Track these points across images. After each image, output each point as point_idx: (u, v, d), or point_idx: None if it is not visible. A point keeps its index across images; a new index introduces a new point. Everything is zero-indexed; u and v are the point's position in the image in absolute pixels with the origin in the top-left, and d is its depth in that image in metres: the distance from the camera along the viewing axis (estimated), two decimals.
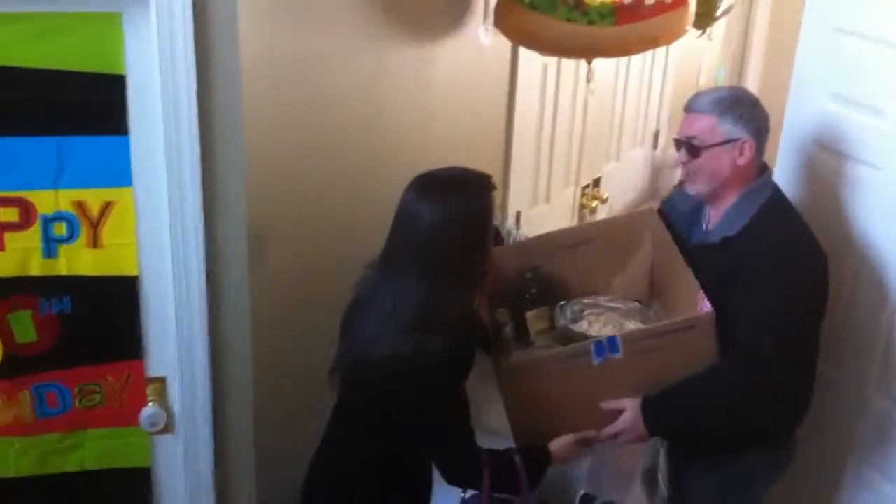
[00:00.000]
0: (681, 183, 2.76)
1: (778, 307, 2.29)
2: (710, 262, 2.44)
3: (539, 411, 2.41)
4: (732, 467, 2.53)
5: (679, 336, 2.33)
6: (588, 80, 3.58)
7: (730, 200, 2.46)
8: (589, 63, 3.49)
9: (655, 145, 5.20)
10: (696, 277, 2.40)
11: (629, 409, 2.37)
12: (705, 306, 2.31)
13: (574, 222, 4.43)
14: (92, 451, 2.59)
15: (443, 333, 2.15)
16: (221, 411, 2.63)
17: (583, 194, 4.44)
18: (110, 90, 2.26)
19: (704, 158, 2.42)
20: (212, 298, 2.49)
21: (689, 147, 2.44)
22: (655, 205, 2.87)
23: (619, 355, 2.32)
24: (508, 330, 2.56)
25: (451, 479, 2.38)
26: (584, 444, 2.43)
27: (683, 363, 2.33)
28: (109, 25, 2.20)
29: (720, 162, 2.42)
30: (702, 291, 2.35)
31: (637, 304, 2.67)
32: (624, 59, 4.32)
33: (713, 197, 2.49)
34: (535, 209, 4.05)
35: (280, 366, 2.72)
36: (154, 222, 2.39)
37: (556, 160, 4.09)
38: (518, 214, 3.86)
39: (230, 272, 2.48)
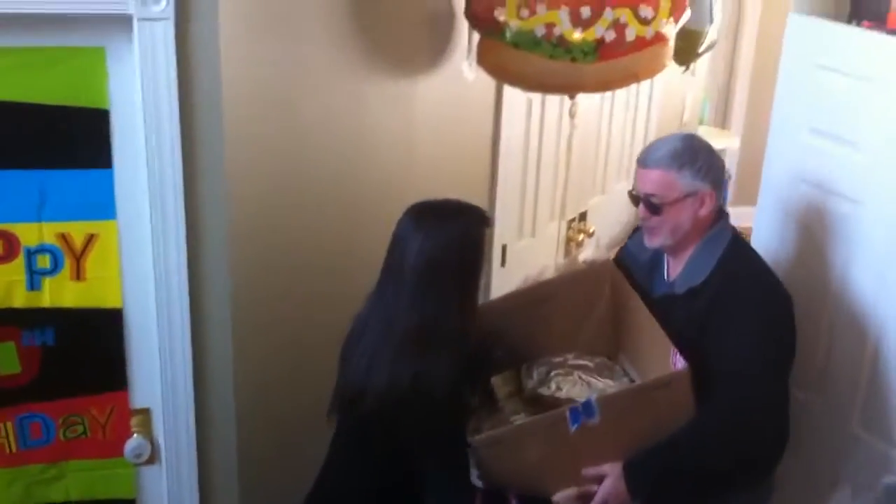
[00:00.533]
0: (636, 230, 2.70)
1: (758, 350, 2.29)
2: (677, 313, 2.41)
3: (517, 479, 2.35)
4: None
5: (656, 394, 2.29)
6: (571, 116, 3.60)
7: (691, 249, 2.45)
8: (571, 98, 3.53)
9: None
10: (663, 328, 2.35)
11: (610, 474, 2.28)
12: (679, 362, 2.25)
13: (560, 256, 4.44)
14: (76, 482, 2.60)
15: (440, 357, 2.14)
16: (205, 443, 2.64)
17: (569, 228, 4.44)
18: (94, 124, 2.30)
19: (666, 214, 2.40)
20: (195, 330, 2.51)
21: (649, 204, 2.41)
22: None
23: (595, 420, 2.26)
24: (475, 400, 2.43)
25: None
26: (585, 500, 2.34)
27: (663, 420, 2.29)
28: (93, 60, 2.24)
29: (682, 216, 2.40)
30: (674, 346, 2.29)
31: (605, 359, 2.62)
32: (608, 93, 4.36)
33: (674, 248, 2.48)
34: (521, 243, 4.06)
35: (264, 397, 2.72)
36: (138, 255, 2.42)
37: (542, 194, 4.11)
38: (504, 248, 3.87)
39: (214, 304, 2.50)
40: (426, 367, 2.13)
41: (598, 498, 2.27)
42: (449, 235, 2.21)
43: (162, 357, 2.51)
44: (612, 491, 2.27)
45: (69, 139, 2.30)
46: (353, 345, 2.31)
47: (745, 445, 2.29)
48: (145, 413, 2.58)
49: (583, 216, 4.58)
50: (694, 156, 2.39)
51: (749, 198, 2.92)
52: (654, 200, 2.39)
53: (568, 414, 2.27)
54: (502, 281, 3.87)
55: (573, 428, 2.26)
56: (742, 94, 6.62)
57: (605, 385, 2.49)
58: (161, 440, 2.60)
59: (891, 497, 2.25)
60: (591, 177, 4.66)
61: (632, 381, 2.53)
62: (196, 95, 2.30)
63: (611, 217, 4.96)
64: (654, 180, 2.39)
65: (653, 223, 2.42)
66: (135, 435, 2.58)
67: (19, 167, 2.29)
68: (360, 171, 2.89)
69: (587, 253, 4.65)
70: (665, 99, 5.18)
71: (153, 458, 2.62)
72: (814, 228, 2.72)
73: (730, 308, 2.33)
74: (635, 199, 2.47)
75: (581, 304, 2.66)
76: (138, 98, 2.27)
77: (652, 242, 2.47)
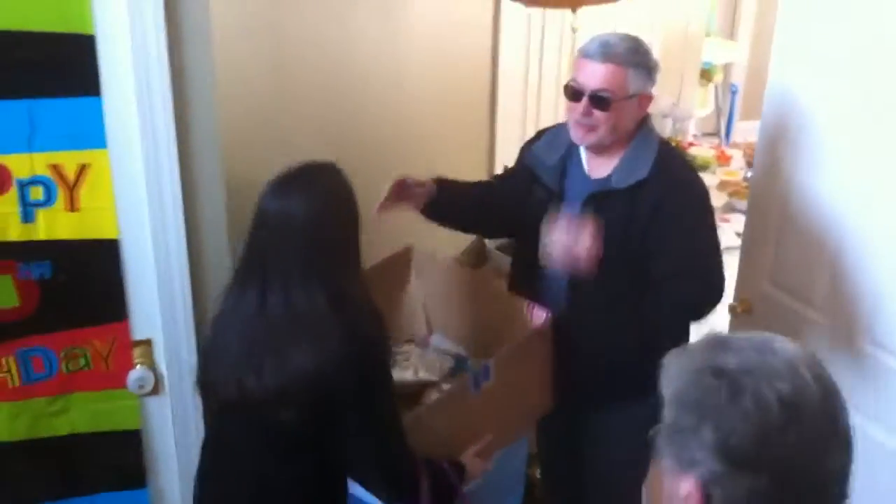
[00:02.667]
0: (539, 133, 2.76)
1: (712, 238, 2.52)
2: (616, 207, 2.45)
3: (433, 450, 2.30)
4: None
5: (532, 346, 2.53)
6: (573, 30, 3.53)
7: (620, 148, 2.48)
8: (573, 11, 3.46)
9: None
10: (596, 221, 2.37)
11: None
12: (538, 314, 2.51)
13: None
14: (81, 414, 2.59)
15: (363, 320, 2.05)
16: None
17: None
18: (80, 50, 2.23)
19: (612, 112, 2.39)
20: (193, 258, 2.49)
21: (597, 100, 2.38)
22: None
23: (491, 381, 2.42)
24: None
25: (391, 488, 2.22)
26: (485, 455, 2.43)
27: (537, 370, 2.57)
28: None
29: (626, 115, 2.42)
30: (530, 302, 2.54)
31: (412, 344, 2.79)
32: (611, 10, 4.27)
33: (603, 147, 2.49)
34: None
35: None
36: (131, 184, 2.38)
37: (544, 112, 4.05)
38: (506, 168, 3.83)
39: (210, 230, 2.49)
40: (350, 332, 2.00)
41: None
42: (326, 192, 2.09)
43: (161, 287, 2.49)
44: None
45: (56, 67, 2.24)
46: (247, 348, 2.07)
47: (703, 308, 2.52)
48: (147, 344, 2.57)
49: None
50: (646, 55, 2.42)
51: (758, 113, 2.86)
52: (604, 95, 2.37)
53: (469, 381, 2.42)
54: None
55: (475, 392, 2.41)
56: (750, 1, 6.39)
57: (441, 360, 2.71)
58: (164, 370, 2.60)
59: None
60: None
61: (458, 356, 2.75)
62: (183, 19, 2.24)
63: None
64: (608, 76, 2.36)
65: (594, 120, 2.40)
66: (137, 366, 2.56)
67: (6, 97, 2.23)
68: (350, 91, 2.84)
69: None
70: (669, 10, 5.07)
71: (157, 389, 2.61)
72: (818, 145, 2.65)
73: (679, 198, 2.45)
74: (576, 93, 2.41)
75: (389, 293, 2.76)
76: (125, 22, 2.21)
77: (586, 139, 2.46)
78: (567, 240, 2.33)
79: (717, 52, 5.63)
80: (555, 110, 4.08)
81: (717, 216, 4.32)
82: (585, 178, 2.55)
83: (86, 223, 2.38)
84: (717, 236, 2.57)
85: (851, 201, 2.56)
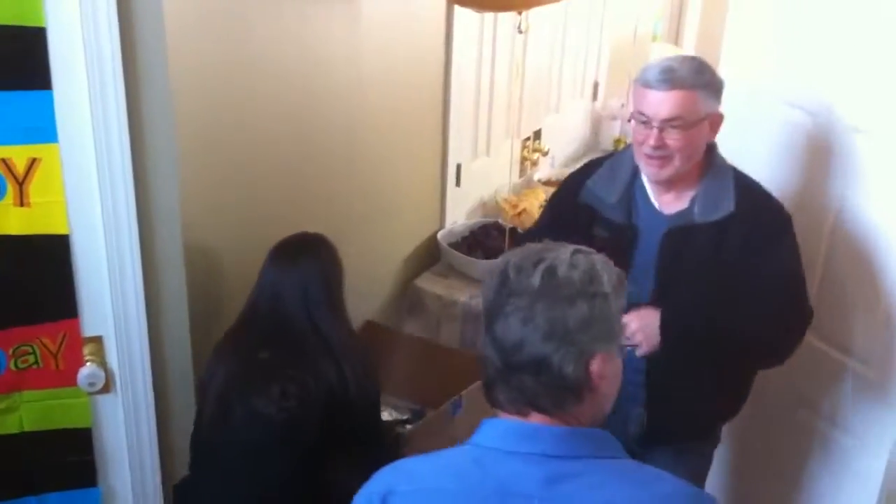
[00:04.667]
0: (586, 168, 2.56)
1: (798, 262, 2.40)
2: (699, 241, 2.33)
3: None
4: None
5: None
6: (521, 31, 3.55)
7: (693, 178, 2.35)
8: (519, 14, 3.47)
9: (595, 97, 5.21)
10: (672, 260, 2.35)
11: (648, 317, 2.31)
12: None
13: (515, 175, 4.42)
14: (30, 412, 2.55)
15: (356, 361, 2.53)
16: (160, 369, 2.62)
17: (524, 147, 4.43)
18: (30, 43, 2.20)
19: (686, 139, 2.25)
20: (145, 255, 2.46)
21: (671, 128, 2.23)
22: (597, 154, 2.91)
23: (462, 411, 2.85)
24: None
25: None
26: None
27: None
28: None
29: (700, 140, 2.28)
30: None
31: None
32: (561, 10, 4.31)
33: (674, 180, 2.35)
34: (476, 162, 4.05)
35: (217, 321, 2.70)
36: (82, 179, 2.34)
37: (496, 112, 4.08)
38: (458, 167, 3.85)
39: (163, 226, 2.46)
40: (355, 371, 2.50)
41: (632, 329, 2.29)
42: (328, 259, 2.57)
43: (112, 283, 2.46)
44: (648, 330, 2.31)
45: (5, 60, 2.20)
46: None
47: (785, 342, 2.40)
48: (98, 341, 2.53)
49: (538, 135, 4.56)
50: (712, 74, 2.27)
51: None
52: (677, 124, 2.22)
53: (448, 407, 2.85)
54: (457, 201, 3.86)
55: (453, 415, 2.85)
56: (695, 8, 6.52)
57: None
58: (115, 368, 2.56)
59: None
60: (546, 95, 4.63)
61: None
62: (136, 12, 2.22)
63: (566, 136, 4.95)
64: (677, 103, 2.21)
65: (668, 150, 2.25)
66: (88, 363, 2.52)
67: None
68: (307, 89, 2.84)
69: (542, 172, 4.64)
70: (617, 15, 5.13)
71: (108, 387, 2.57)
72: (773, 141, 2.70)
73: (772, 229, 2.36)
74: (644, 125, 2.26)
75: None
76: (76, 14, 2.18)
77: (662, 174, 2.31)
78: (644, 325, 2.27)
79: (665, 54, 5.69)
80: (506, 108, 4.10)
81: None
82: (657, 213, 2.40)
83: (35, 218, 2.34)
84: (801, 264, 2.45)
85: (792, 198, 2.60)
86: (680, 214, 2.37)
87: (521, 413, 1.40)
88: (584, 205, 2.45)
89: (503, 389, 1.41)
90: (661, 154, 2.26)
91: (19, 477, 2.62)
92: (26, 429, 2.56)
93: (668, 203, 2.39)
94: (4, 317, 2.43)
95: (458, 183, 3.87)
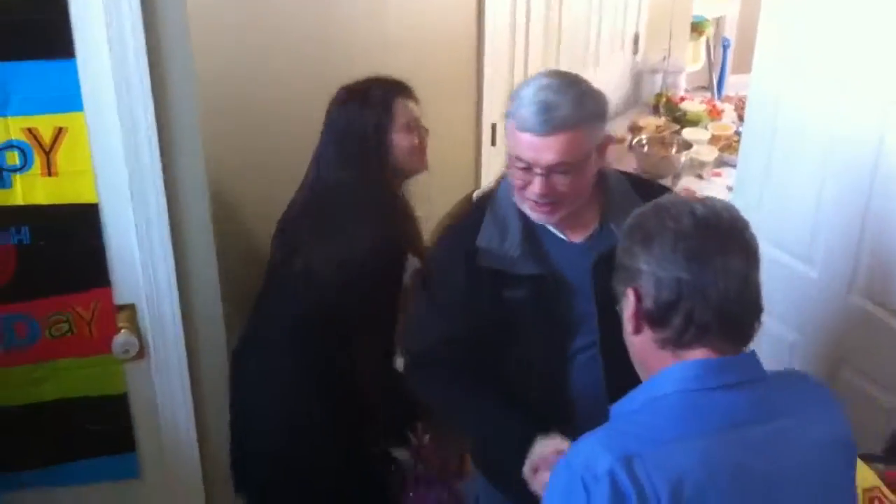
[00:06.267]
0: (457, 231, 2.19)
1: None
2: None
3: None
4: None
5: None
6: None
7: (590, 201, 2.07)
8: None
9: (636, 50, 5.10)
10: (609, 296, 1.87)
11: None
12: None
13: None
14: (66, 380, 2.58)
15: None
16: (192, 333, 2.63)
17: None
18: (53, 12, 2.18)
19: (575, 179, 1.95)
20: (174, 221, 2.46)
21: (560, 174, 1.93)
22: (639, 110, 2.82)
23: None
24: None
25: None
26: None
27: None
28: None
29: (590, 174, 1.99)
30: None
31: None
32: None
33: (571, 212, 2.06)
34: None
35: (247, 283, 2.69)
36: (109, 147, 2.34)
37: (532, 68, 3.99)
38: (493, 127, 3.80)
39: (190, 192, 2.45)
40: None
41: None
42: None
43: (142, 251, 2.47)
44: None
45: (28, 29, 2.20)
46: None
47: None
48: (130, 309, 2.55)
49: None
50: (593, 96, 1.95)
51: (749, 66, 2.83)
52: (564, 169, 1.92)
53: None
54: (492, 160, 3.82)
55: None
56: None
57: None
58: (148, 335, 2.58)
59: None
60: (584, 49, 4.54)
61: None
62: None
63: (605, 91, 4.84)
64: (563, 146, 1.89)
65: (557, 196, 1.96)
66: (121, 331, 2.54)
67: None
68: (335, 43, 2.79)
69: None
70: None
71: (141, 354, 2.59)
72: (808, 99, 2.62)
73: None
74: (525, 172, 1.94)
75: None
76: None
77: (553, 217, 2.01)
78: None
79: (708, 6, 5.56)
80: (543, 64, 4.04)
81: (710, 170, 4.32)
82: (570, 247, 2.08)
83: (64, 188, 2.35)
84: None
85: (842, 152, 2.53)
86: (596, 240, 2.07)
87: (720, 349, 1.45)
88: (483, 273, 2.06)
89: (722, 328, 1.44)
90: (549, 201, 1.96)
91: (56, 444, 2.66)
92: (62, 396, 2.60)
93: (578, 230, 2.09)
94: (37, 286, 2.45)
95: (493, 142, 3.83)
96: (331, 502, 2.70)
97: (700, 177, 4.28)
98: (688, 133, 4.64)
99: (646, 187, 2.15)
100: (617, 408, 1.53)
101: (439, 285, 2.16)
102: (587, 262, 2.02)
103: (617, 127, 4.76)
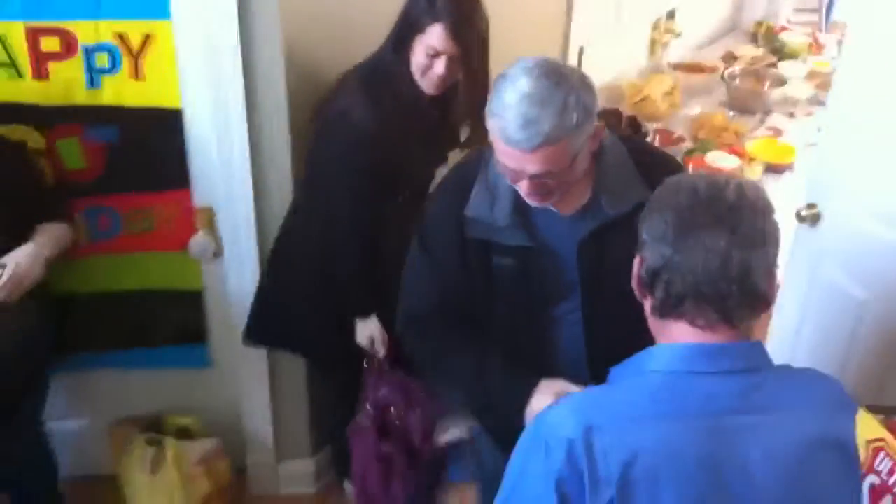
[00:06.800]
0: (450, 193, 2.11)
1: None
2: (618, 239, 1.89)
3: None
4: None
5: None
6: None
7: (587, 177, 1.97)
8: None
9: None
10: (594, 271, 1.99)
11: None
12: None
13: (645, 59, 4.31)
14: (146, 273, 2.75)
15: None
16: (266, 235, 2.73)
17: (654, 28, 4.29)
18: None
19: (563, 178, 1.87)
20: (252, 129, 2.55)
21: (548, 177, 1.86)
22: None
23: None
24: None
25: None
26: None
27: None
28: None
29: (580, 167, 1.89)
30: None
31: None
32: None
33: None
34: (601, 45, 3.93)
35: None
36: (193, 55, 2.44)
37: None
38: (581, 51, 3.76)
39: (270, 103, 2.53)
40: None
41: None
42: None
43: (221, 157, 2.58)
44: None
45: None
46: None
47: None
48: (208, 211, 2.67)
49: (670, 15, 4.39)
50: (579, 99, 1.80)
51: None
52: (551, 175, 1.85)
53: None
54: None
55: None
56: None
57: None
58: (223, 236, 2.71)
59: None
60: None
61: None
62: None
63: (702, 16, 4.74)
64: (548, 158, 1.81)
65: (548, 188, 1.90)
66: (199, 232, 2.68)
67: None
68: None
69: (675, 55, 4.49)
70: None
71: (217, 254, 2.73)
72: None
73: None
74: (513, 177, 1.89)
75: None
76: None
77: (546, 201, 1.94)
78: None
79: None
80: None
81: (803, 109, 4.20)
82: (560, 219, 2.02)
83: (149, 91, 2.47)
84: None
85: None
86: (587, 213, 2.01)
87: (711, 328, 1.45)
88: (471, 240, 2.04)
89: (698, 304, 1.44)
90: (540, 192, 1.90)
91: (137, 331, 2.85)
92: (142, 287, 2.77)
93: (569, 202, 2.01)
94: (122, 183, 2.60)
95: (579, 66, 3.79)
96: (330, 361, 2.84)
97: (791, 115, 4.16)
98: (784, 67, 4.52)
99: (647, 157, 2.06)
100: (615, 371, 1.55)
101: (434, 243, 2.14)
102: (576, 234, 1.99)
103: (710, 54, 4.67)
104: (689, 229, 1.43)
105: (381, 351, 2.64)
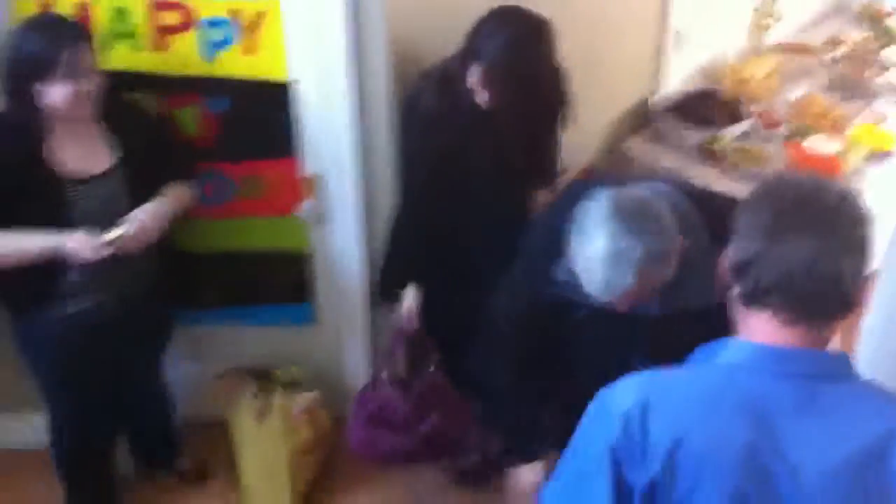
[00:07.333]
0: (556, 221, 2.01)
1: None
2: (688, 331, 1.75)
3: None
4: None
5: None
6: None
7: None
8: None
9: None
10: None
11: None
12: None
13: (745, 41, 4.32)
14: (256, 235, 2.96)
15: None
16: (370, 202, 2.92)
17: (755, 10, 4.29)
18: None
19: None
20: (362, 103, 2.73)
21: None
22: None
23: None
24: None
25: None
26: None
27: None
28: None
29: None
30: None
31: None
32: None
33: None
34: (699, 25, 3.96)
35: None
36: (303, 31, 2.61)
37: None
38: (678, 31, 3.81)
39: (373, 77, 2.71)
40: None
41: None
42: None
43: (329, 128, 2.75)
44: None
45: None
46: None
47: None
48: (315, 178, 2.84)
49: None
50: (655, 237, 1.81)
51: None
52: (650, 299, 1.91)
53: None
54: (675, 65, 3.84)
55: None
56: None
57: None
58: (330, 203, 2.89)
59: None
60: None
61: None
62: None
63: None
64: (633, 297, 1.86)
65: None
66: (307, 198, 2.86)
67: None
68: None
69: (776, 36, 4.45)
70: None
71: (324, 219, 2.91)
72: None
73: None
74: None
75: None
76: None
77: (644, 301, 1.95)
78: None
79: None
80: None
81: None
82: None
83: (261, 64, 2.66)
84: None
85: None
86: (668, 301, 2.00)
87: (791, 324, 1.47)
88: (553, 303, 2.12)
89: (782, 298, 1.47)
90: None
91: (245, 288, 3.07)
92: (254, 249, 2.98)
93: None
94: (236, 151, 2.80)
95: (677, 47, 3.84)
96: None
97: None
98: (890, 53, 4.46)
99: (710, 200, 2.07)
100: (694, 355, 1.59)
101: (528, 265, 2.24)
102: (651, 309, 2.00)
103: (813, 36, 4.62)
104: (787, 226, 1.46)
105: (413, 324, 2.82)
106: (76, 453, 2.87)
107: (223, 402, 3.05)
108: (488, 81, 2.46)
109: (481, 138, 2.63)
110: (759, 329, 1.50)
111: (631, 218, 1.79)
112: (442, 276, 2.80)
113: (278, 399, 2.97)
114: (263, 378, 3.03)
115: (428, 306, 2.82)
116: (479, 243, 2.78)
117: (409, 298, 2.81)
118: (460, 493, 3.15)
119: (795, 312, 1.46)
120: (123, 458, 3.09)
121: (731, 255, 1.53)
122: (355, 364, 3.18)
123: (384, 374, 2.87)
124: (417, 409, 2.84)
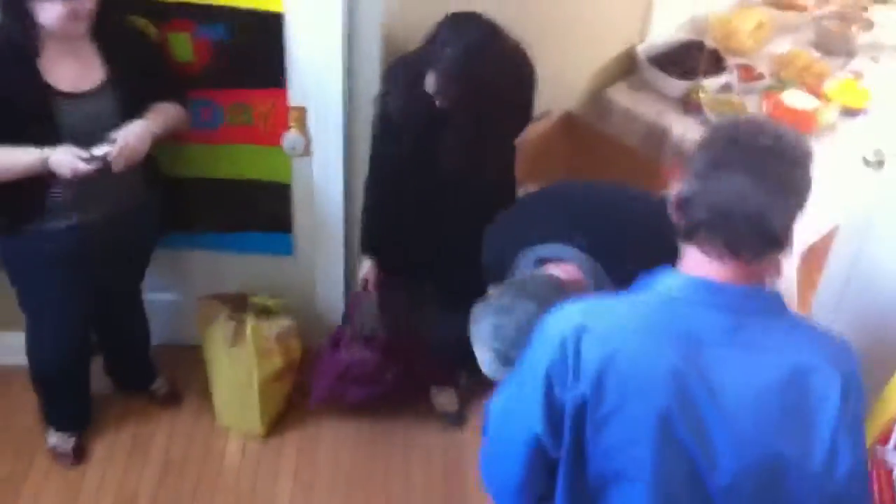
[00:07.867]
0: None
1: None
2: None
3: None
4: None
5: None
6: None
7: None
8: None
9: None
10: None
11: None
12: None
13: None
14: (241, 163, 2.98)
15: None
16: (353, 137, 2.95)
17: None
18: None
19: None
20: (351, 39, 2.74)
21: None
22: None
23: None
24: None
25: None
26: None
27: None
28: None
29: None
30: None
31: None
32: None
33: None
34: None
35: None
36: None
37: None
38: None
39: (364, 15, 2.72)
40: None
41: None
42: None
43: (317, 61, 2.77)
44: None
45: None
46: None
47: None
48: (301, 110, 2.87)
49: None
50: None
51: None
52: None
53: None
54: (663, 14, 3.83)
55: None
56: None
57: None
58: (314, 135, 2.92)
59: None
60: None
61: None
62: None
63: None
64: None
65: None
66: (291, 129, 2.89)
67: None
68: None
69: None
70: None
71: (306, 151, 2.94)
72: None
73: None
74: None
75: None
76: None
77: None
78: None
79: None
80: None
81: (890, 56, 4.15)
82: None
83: None
84: None
85: None
86: None
87: (720, 258, 1.54)
88: None
89: (710, 235, 1.53)
90: None
91: (228, 215, 3.11)
92: (238, 176, 3.00)
93: None
94: (225, 78, 2.81)
95: None
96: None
97: (875, 59, 4.15)
98: (878, 11, 4.46)
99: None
100: (637, 281, 1.65)
101: None
102: None
103: None
104: (720, 164, 1.52)
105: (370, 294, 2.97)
106: (53, 364, 2.91)
107: (199, 325, 3.11)
108: (442, 88, 2.50)
109: (445, 139, 2.65)
110: (693, 262, 1.57)
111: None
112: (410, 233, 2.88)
113: (251, 325, 3.01)
114: (240, 305, 3.07)
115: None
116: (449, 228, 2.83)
117: (366, 269, 2.94)
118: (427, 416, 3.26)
119: (724, 247, 1.53)
120: (100, 378, 3.14)
121: (675, 192, 1.59)
122: (330, 297, 3.25)
123: (347, 333, 3.01)
124: (385, 360, 3.00)
